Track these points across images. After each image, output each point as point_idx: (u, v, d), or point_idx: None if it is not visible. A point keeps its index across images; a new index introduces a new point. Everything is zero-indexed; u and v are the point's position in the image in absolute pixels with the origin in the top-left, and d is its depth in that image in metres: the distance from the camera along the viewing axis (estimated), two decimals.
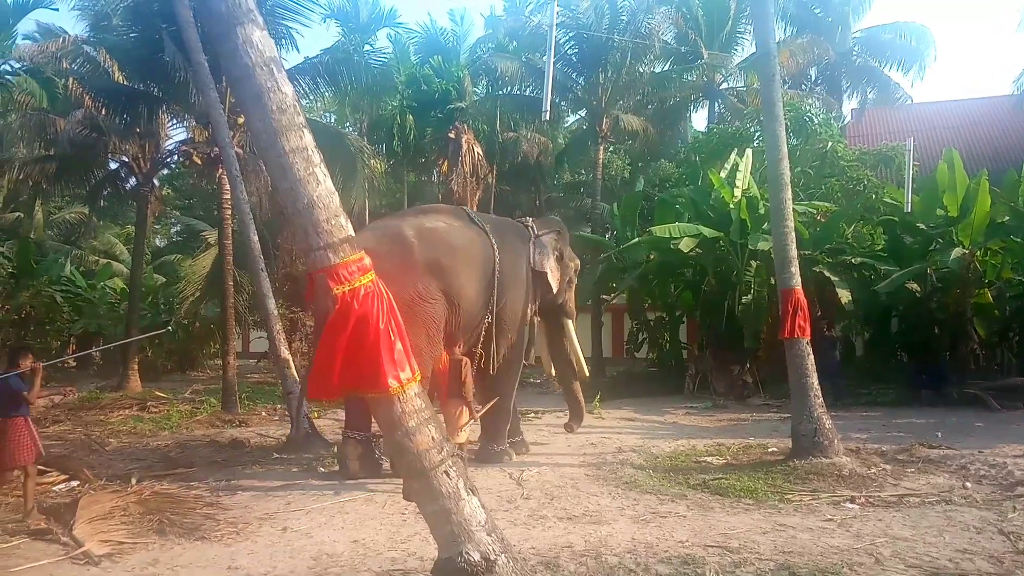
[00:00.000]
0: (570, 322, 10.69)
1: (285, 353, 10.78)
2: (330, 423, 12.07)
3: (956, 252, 14.93)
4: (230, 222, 13.92)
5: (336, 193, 3.88)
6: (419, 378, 4.01)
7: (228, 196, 13.20)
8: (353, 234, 3.87)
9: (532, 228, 10.12)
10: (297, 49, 15.43)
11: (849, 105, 29.63)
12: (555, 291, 10.13)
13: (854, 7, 28.13)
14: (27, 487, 6.67)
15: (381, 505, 7.10)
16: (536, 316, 10.45)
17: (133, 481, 8.04)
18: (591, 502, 7.22)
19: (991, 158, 21.96)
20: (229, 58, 3.86)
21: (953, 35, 68.84)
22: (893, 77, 27.24)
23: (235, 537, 6.17)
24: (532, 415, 13.21)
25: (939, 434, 10.86)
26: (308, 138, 3.80)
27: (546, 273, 9.89)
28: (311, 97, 17.05)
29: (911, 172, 17.57)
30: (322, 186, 3.80)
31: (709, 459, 9.44)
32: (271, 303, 10.75)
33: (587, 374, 11.07)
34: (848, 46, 28.15)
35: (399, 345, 3.94)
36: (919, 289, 16.46)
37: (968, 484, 7.75)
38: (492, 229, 9.38)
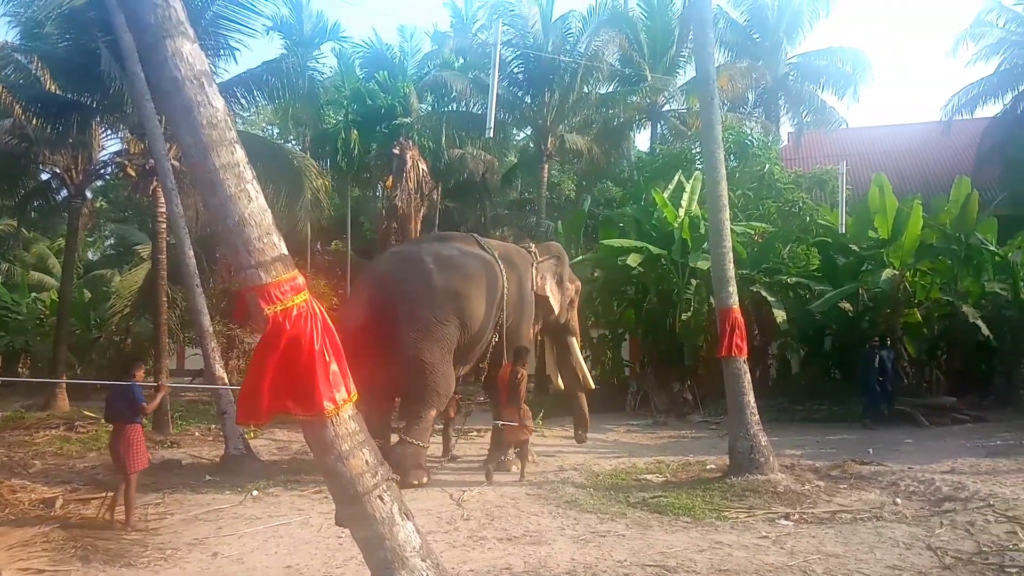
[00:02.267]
0: (574, 339, 11.50)
1: (220, 372, 10.50)
2: (265, 443, 11.81)
3: (887, 273, 15.45)
4: (165, 236, 13.56)
5: (269, 211, 3.77)
6: (355, 399, 3.92)
7: (163, 210, 12.87)
8: (286, 252, 3.77)
9: (535, 254, 10.96)
10: (236, 62, 15.20)
11: (786, 128, 30.49)
12: (556, 313, 10.99)
13: (789, 33, 29.03)
14: (129, 495, 7.08)
15: (316, 529, 6.94)
16: (539, 336, 11.18)
17: (57, 505, 7.71)
18: (531, 522, 7.19)
19: (921, 182, 22.81)
20: (158, 71, 3.75)
21: (888, 60, 71.65)
22: (828, 101, 28.15)
23: (163, 564, 5.96)
24: (475, 433, 13.13)
25: (871, 451, 11.16)
26: (240, 154, 3.70)
27: (547, 297, 10.75)
28: (251, 110, 16.82)
29: (844, 195, 18.14)
30: (254, 203, 3.70)
31: (649, 477, 9.51)
32: (206, 320, 10.47)
33: (592, 386, 11.62)
34: (784, 71, 29.02)
35: (335, 366, 3.84)
36: (851, 309, 16.97)
37: (898, 500, 7.95)
38: (500, 256, 10.18)
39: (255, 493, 8.54)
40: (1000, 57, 23.92)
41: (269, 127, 30.26)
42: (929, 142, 26.07)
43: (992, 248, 16.56)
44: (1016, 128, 22.45)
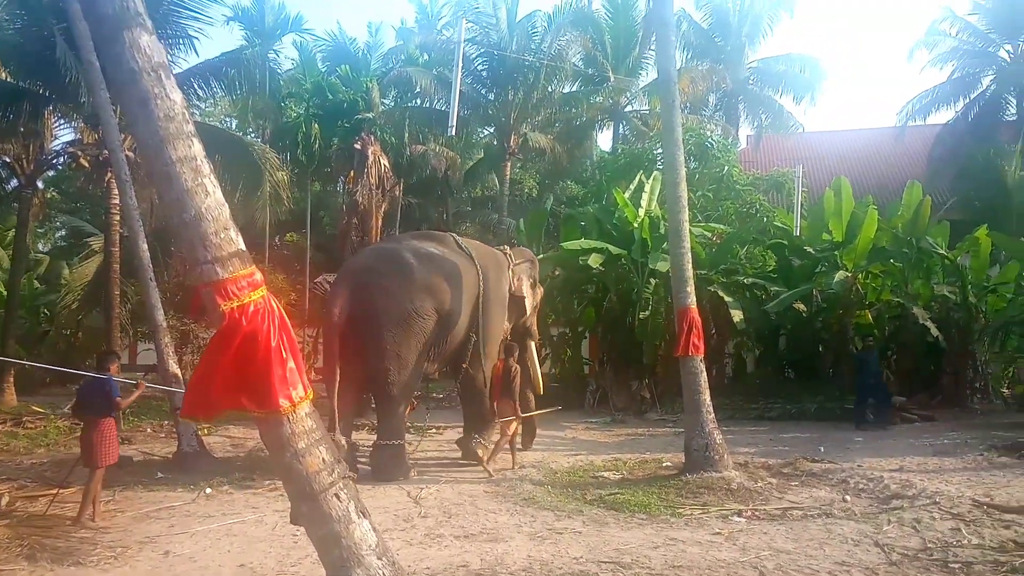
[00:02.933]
0: (532, 343, 11.59)
1: (174, 367, 10.29)
2: (220, 440, 11.65)
3: (840, 275, 15.79)
4: (118, 228, 13.28)
5: (227, 205, 3.74)
6: (311, 397, 3.90)
7: (116, 201, 12.62)
8: (243, 248, 3.74)
9: (510, 256, 11.16)
10: (196, 52, 14.87)
11: (745, 131, 30.98)
12: (528, 314, 11.26)
13: (751, 36, 29.49)
14: (95, 489, 7.04)
15: (271, 527, 6.87)
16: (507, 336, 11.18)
17: (3, 502, 7.51)
18: (489, 519, 7.20)
19: (876, 186, 23.35)
20: (114, 62, 3.70)
21: (847, 59, 73.13)
22: (786, 106, 28.68)
23: (113, 562, 5.84)
24: (434, 431, 13.11)
25: (821, 448, 11.40)
26: (197, 147, 3.66)
27: (524, 298, 11.02)
28: (209, 101, 16.54)
29: (800, 198, 18.47)
30: (211, 197, 3.66)
31: (606, 474, 9.59)
32: (159, 314, 10.26)
33: (541, 390, 11.62)
34: (745, 75, 29.47)
35: (291, 363, 3.83)
36: (805, 309, 17.30)
37: (847, 497, 8.13)
38: (477, 256, 10.33)
39: (208, 491, 8.41)
40: (952, 65, 24.64)
41: (228, 119, 29.76)
42: (884, 147, 26.69)
43: (942, 252, 17.02)
44: (967, 135, 23.14)
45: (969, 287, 16.66)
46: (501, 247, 11.76)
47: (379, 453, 9.17)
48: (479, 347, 10.11)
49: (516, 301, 10.98)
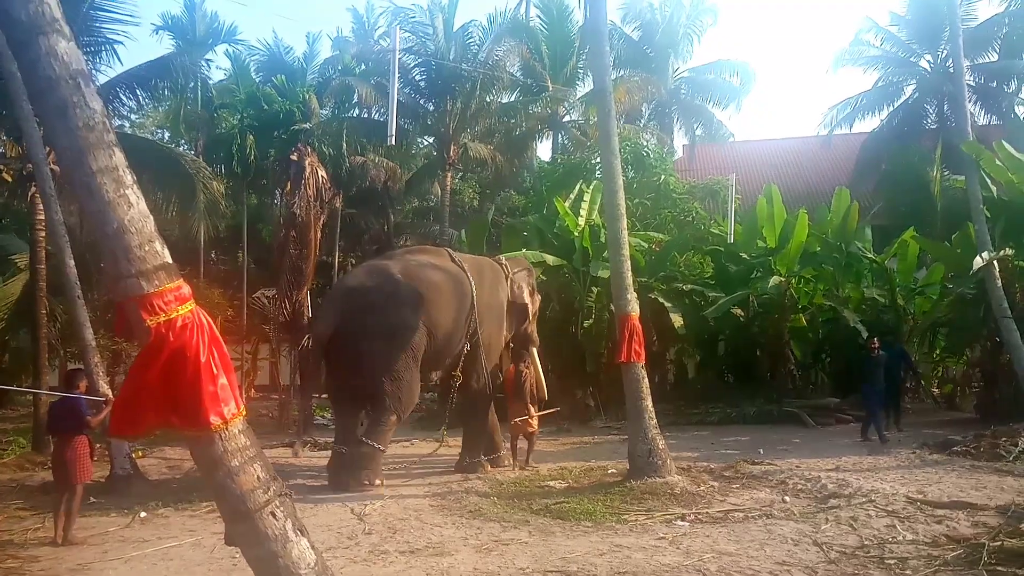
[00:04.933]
0: (534, 348, 11.78)
1: (105, 388, 9.91)
2: (155, 463, 11.27)
3: (774, 280, 16.16)
4: (44, 245, 12.74)
5: (151, 217, 3.60)
6: (244, 414, 3.78)
7: (42, 217, 12.10)
8: (170, 260, 3.60)
9: (505, 266, 11.49)
10: (120, 60, 14.33)
11: (680, 141, 31.58)
12: (529, 320, 11.51)
13: (677, 48, 30.18)
14: (74, 506, 7.05)
15: (209, 550, 6.65)
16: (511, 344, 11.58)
17: None
18: (434, 533, 7.11)
19: (806, 193, 24.02)
20: (30, 69, 3.54)
21: (774, 70, 75.25)
22: (717, 115, 29.38)
23: None
24: (403, 443, 12.90)
25: (761, 451, 11.62)
26: (119, 157, 3.52)
27: (526, 305, 11.33)
28: (140, 112, 16.06)
29: (734, 205, 18.86)
30: (134, 209, 3.52)
31: (552, 483, 9.58)
32: (88, 333, 9.88)
33: (546, 395, 11.72)
34: (676, 85, 30.07)
35: (223, 379, 3.69)
36: (743, 314, 17.66)
37: (787, 498, 8.29)
38: (470, 267, 10.61)
39: (143, 514, 8.10)
40: (877, 74, 25.54)
41: (159, 130, 28.99)
42: (813, 155, 27.51)
43: (870, 256, 17.59)
44: (892, 142, 24.00)
45: (897, 290, 17.24)
46: (496, 257, 12.32)
47: (356, 449, 9.35)
48: (476, 355, 10.43)
49: (518, 308, 11.29)
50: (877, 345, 13.04)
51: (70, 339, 16.09)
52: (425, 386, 11.57)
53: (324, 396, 11.67)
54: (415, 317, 9.62)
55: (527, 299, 11.42)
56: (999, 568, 5.49)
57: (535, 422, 10.66)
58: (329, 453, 9.95)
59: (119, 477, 9.44)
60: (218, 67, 27.63)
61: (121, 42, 13.49)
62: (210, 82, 16.86)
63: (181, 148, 23.72)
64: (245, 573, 5.66)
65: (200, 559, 6.42)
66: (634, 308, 9.67)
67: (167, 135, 28.34)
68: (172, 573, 6.05)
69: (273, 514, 3.69)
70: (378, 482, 9.24)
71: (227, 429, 3.63)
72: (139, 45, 31.82)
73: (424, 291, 9.78)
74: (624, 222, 9.87)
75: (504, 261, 11.83)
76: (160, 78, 14.45)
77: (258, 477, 3.69)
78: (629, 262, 9.88)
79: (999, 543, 5.94)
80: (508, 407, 10.70)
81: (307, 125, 22.97)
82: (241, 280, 23.47)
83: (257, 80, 26.34)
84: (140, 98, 14.81)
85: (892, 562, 5.84)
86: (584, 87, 26.10)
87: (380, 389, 9.43)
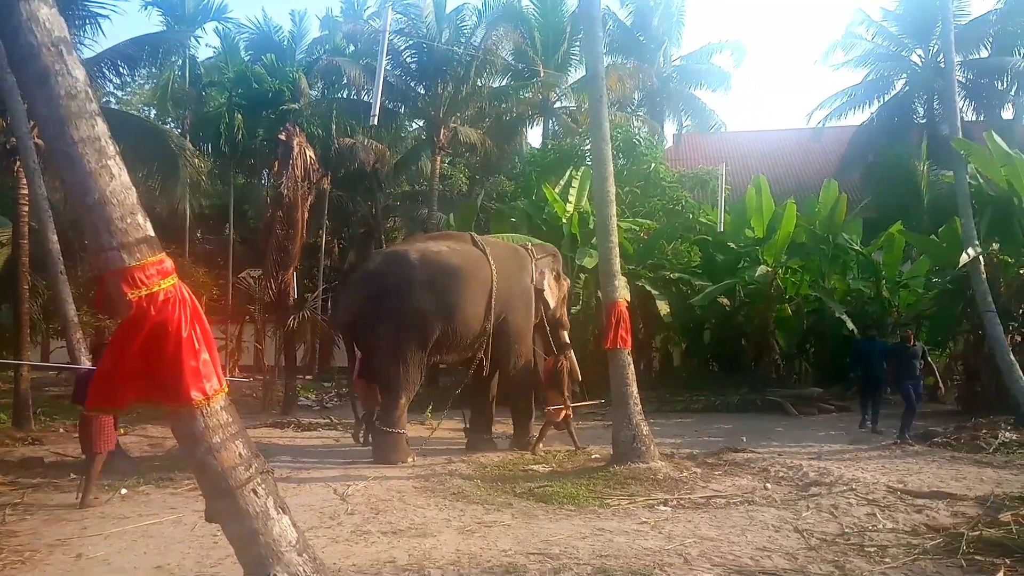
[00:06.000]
0: (564, 332, 11.93)
1: (87, 364, 9.86)
2: (136, 440, 11.20)
3: (761, 270, 16.22)
4: (27, 219, 12.60)
5: (134, 189, 3.54)
6: (227, 390, 3.74)
7: (25, 191, 11.96)
8: (152, 234, 3.55)
9: (531, 252, 11.57)
10: (104, 33, 14.18)
11: (670, 129, 31.57)
12: (552, 307, 11.55)
13: (671, 34, 30.11)
14: (92, 474, 7.38)
15: (190, 528, 6.61)
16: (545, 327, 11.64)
17: None
18: (417, 515, 7.10)
19: (795, 185, 24.10)
20: (11, 36, 3.47)
21: (764, 67, 75.28)
22: (708, 101, 29.44)
23: (21, 566, 5.52)
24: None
25: (744, 438, 11.67)
26: (101, 127, 3.46)
27: (543, 291, 11.34)
28: (127, 89, 15.87)
29: (723, 195, 18.88)
30: (116, 180, 3.46)
31: (536, 467, 9.60)
32: (71, 309, 9.84)
33: (579, 377, 11.82)
34: (668, 72, 30.01)
35: (205, 355, 3.65)
36: (729, 303, 17.72)
37: (768, 485, 8.33)
38: (492, 252, 10.69)
39: (124, 491, 8.04)
40: (867, 68, 25.56)
41: (146, 108, 28.66)
42: (802, 147, 27.56)
43: (857, 248, 17.67)
44: (881, 136, 24.07)
45: (883, 282, 17.33)
46: (523, 243, 12.45)
47: (379, 439, 9.82)
48: (505, 340, 10.62)
49: (538, 295, 11.36)
50: (912, 333, 12.34)
51: (52, 315, 16.00)
52: (438, 368, 11.87)
53: (308, 377, 11.72)
54: (428, 301, 9.82)
55: (546, 285, 11.50)
56: (977, 557, 5.55)
57: (564, 412, 10.72)
58: (313, 434, 10.14)
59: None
60: (207, 44, 27.31)
61: (107, 16, 13.32)
62: (198, 60, 16.65)
63: (168, 126, 23.44)
64: (226, 551, 5.65)
65: (181, 536, 6.38)
66: (622, 295, 9.67)
67: (154, 113, 28.03)
68: (152, 550, 6.00)
69: (255, 491, 3.67)
70: (410, 460, 9.70)
71: (209, 405, 3.60)
72: (128, 20, 31.43)
73: (440, 276, 9.99)
74: (613, 209, 9.84)
75: (530, 247, 11.94)
76: (148, 53, 14.25)
77: (240, 454, 3.67)
78: (617, 249, 9.86)
79: (978, 532, 6.00)
80: (544, 395, 10.99)
81: (296, 105, 22.79)
82: (227, 260, 23.31)
83: (246, 59, 26.07)
84: (125, 75, 14.58)
85: (872, 550, 5.88)
86: (575, 73, 26.02)
87: (390, 372, 9.75)
